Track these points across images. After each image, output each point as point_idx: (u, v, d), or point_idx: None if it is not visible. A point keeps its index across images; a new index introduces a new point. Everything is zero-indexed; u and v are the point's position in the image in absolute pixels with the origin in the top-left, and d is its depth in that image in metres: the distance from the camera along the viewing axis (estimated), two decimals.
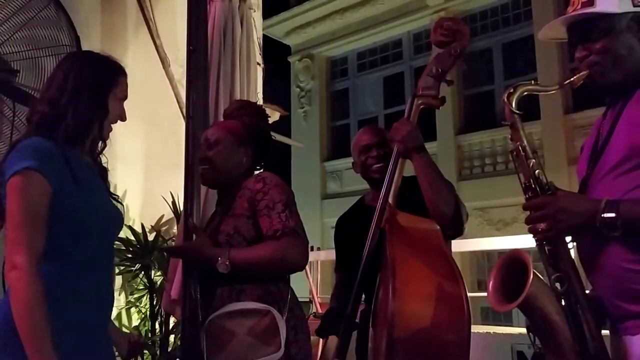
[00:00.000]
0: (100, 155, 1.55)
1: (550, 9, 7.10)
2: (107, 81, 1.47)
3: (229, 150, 1.75)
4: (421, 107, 1.79)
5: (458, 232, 1.80)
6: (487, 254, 7.69)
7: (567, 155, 6.20)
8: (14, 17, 1.96)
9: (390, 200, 1.73)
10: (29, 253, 1.24)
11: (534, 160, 1.29)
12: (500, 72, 8.33)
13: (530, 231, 1.24)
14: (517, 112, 1.32)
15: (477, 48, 8.42)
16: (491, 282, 1.28)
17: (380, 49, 9.85)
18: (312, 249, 4.96)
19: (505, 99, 1.32)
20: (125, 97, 1.54)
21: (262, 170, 1.83)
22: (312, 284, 4.31)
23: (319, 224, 9.13)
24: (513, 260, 1.27)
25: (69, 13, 2.00)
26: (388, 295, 1.49)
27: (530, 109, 7.85)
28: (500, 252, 7.57)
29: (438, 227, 1.67)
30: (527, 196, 1.28)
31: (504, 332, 3.18)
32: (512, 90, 1.33)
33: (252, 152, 1.78)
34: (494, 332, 2.91)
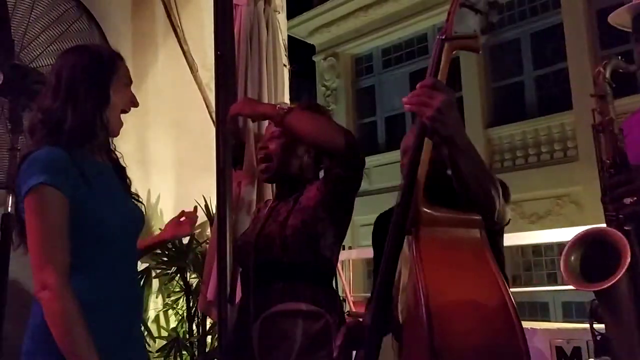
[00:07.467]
0: (116, 153, 1.48)
1: None
2: (104, 71, 1.37)
3: (290, 144, 1.71)
4: (454, 52, 1.28)
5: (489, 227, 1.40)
6: (522, 249, 7.56)
7: None
8: (47, 30, 2.02)
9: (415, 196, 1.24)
10: (57, 270, 1.19)
11: (620, 135, 1.23)
12: (529, 63, 8.16)
13: (616, 209, 1.18)
14: (611, 82, 1.28)
15: (505, 39, 8.27)
16: (563, 260, 1.21)
17: (405, 44, 9.78)
18: (343, 248, 4.95)
19: (602, 69, 1.28)
20: (130, 82, 1.44)
21: None
22: (345, 283, 4.31)
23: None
24: (594, 237, 1.20)
25: (100, 24, 2.04)
26: (420, 339, 1.13)
27: (562, 99, 7.72)
28: (535, 246, 7.45)
29: (478, 231, 1.25)
30: (607, 174, 1.21)
31: (541, 327, 3.12)
32: (607, 61, 1.31)
33: (314, 151, 1.73)
34: (531, 328, 2.85)
